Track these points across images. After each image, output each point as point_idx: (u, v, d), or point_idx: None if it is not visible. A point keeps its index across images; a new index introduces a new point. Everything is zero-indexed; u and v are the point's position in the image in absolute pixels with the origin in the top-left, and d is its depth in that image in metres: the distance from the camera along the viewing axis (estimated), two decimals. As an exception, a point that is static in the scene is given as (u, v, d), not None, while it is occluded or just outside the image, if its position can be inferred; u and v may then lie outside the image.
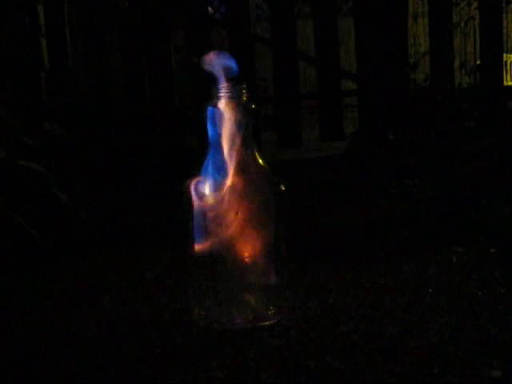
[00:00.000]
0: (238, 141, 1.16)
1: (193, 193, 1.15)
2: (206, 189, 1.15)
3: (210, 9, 3.74)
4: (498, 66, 3.27)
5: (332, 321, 1.19)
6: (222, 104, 1.17)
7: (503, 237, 1.67)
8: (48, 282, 1.53)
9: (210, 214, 1.15)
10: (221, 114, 1.16)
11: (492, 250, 1.57)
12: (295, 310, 1.25)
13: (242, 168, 1.16)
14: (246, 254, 1.17)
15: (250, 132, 1.18)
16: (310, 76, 4.62)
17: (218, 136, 1.16)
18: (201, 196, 1.15)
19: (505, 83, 3.40)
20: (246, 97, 1.18)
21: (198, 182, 1.16)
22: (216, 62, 1.15)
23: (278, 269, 1.21)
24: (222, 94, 1.17)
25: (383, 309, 1.23)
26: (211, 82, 1.18)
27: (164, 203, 2.38)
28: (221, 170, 1.15)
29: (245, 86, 1.19)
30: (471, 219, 1.88)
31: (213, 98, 1.18)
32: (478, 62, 3.49)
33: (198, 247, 1.17)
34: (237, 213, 1.14)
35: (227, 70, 1.16)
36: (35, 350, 1.15)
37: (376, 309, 1.23)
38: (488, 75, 3.27)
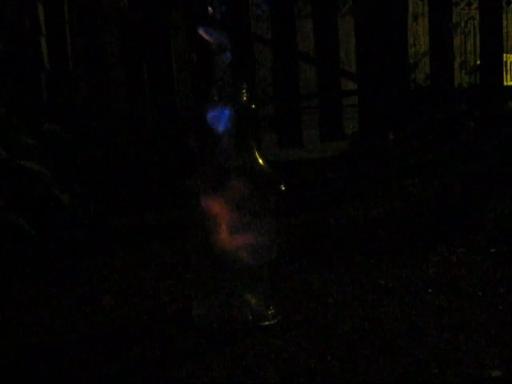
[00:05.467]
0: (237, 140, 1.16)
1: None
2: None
3: (209, 9, 3.74)
4: (498, 66, 3.28)
5: (332, 321, 1.19)
6: (223, 104, 1.17)
7: (503, 237, 1.67)
8: (48, 282, 1.53)
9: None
10: (222, 114, 1.16)
11: (492, 250, 1.57)
12: (295, 309, 1.25)
13: (242, 168, 1.17)
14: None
15: (249, 132, 1.18)
16: (310, 76, 4.62)
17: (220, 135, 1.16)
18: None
19: (505, 83, 3.41)
20: (246, 97, 1.18)
21: None
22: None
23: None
24: (223, 94, 1.17)
25: (383, 309, 1.23)
26: (211, 82, 1.18)
27: (164, 203, 2.38)
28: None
29: (245, 85, 1.19)
30: (471, 219, 1.88)
31: (213, 98, 1.18)
32: (478, 62, 3.49)
33: None
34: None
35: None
36: (35, 350, 1.15)
37: (376, 309, 1.23)
38: (488, 75, 3.27)
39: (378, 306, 1.25)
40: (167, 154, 3.03)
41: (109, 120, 3.02)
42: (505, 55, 3.37)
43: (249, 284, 1.19)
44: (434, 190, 2.32)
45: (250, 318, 1.17)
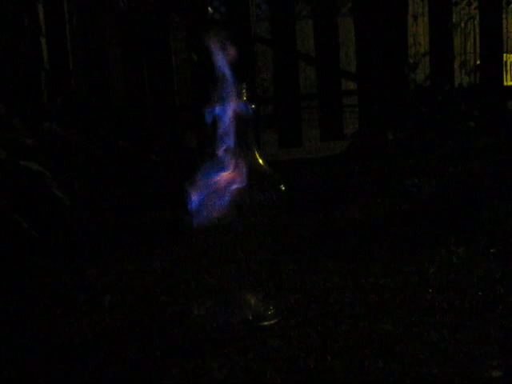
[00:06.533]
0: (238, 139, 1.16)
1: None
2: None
3: (209, 9, 3.75)
4: (498, 66, 3.27)
5: (332, 321, 1.19)
6: (223, 104, 1.17)
7: (503, 237, 1.67)
8: (48, 282, 1.53)
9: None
10: (223, 114, 1.16)
11: (492, 250, 1.57)
12: (295, 310, 1.25)
13: (243, 168, 1.17)
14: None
15: (250, 132, 1.18)
16: (310, 76, 4.63)
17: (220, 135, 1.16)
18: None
19: (505, 83, 3.40)
20: (246, 97, 1.18)
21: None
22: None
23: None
24: (223, 94, 1.17)
25: (383, 309, 1.23)
26: (211, 82, 1.18)
27: (164, 203, 2.38)
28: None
29: (245, 85, 1.19)
30: (471, 219, 1.88)
31: (213, 98, 1.18)
32: (478, 62, 3.49)
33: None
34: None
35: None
36: (35, 351, 1.15)
37: (376, 309, 1.23)
38: (488, 75, 3.27)
39: (378, 306, 1.25)
40: (167, 153, 3.03)
41: (108, 120, 3.02)
42: (505, 55, 3.37)
43: (249, 284, 1.19)
44: (434, 190, 2.32)
45: (250, 317, 1.17)
